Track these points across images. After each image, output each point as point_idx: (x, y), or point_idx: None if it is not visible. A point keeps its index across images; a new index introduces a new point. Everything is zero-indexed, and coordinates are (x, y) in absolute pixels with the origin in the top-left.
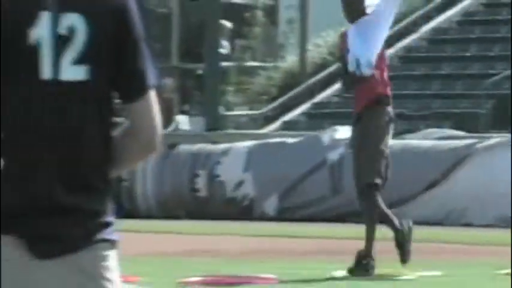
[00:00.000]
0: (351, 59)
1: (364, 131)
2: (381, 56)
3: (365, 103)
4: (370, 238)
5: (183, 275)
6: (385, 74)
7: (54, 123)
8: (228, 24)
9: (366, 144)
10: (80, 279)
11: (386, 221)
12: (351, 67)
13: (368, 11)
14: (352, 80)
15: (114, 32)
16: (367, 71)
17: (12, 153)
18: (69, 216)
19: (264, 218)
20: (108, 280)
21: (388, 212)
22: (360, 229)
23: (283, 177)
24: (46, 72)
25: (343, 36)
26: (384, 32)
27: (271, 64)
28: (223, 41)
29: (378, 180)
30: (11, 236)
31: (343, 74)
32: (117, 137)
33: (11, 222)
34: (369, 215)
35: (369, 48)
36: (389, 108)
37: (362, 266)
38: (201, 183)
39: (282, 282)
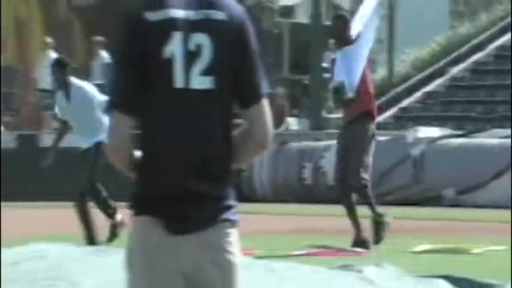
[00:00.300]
0: (334, 82)
1: (351, 144)
2: (365, 79)
3: (351, 118)
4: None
5: (292, 248)
6: (370, 93)
7: (187, 125)
8: None
9: (354, 158)
10: (207, 252)
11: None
12: (333, 89)
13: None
14: (339, 99)
15: (234, 49)
16: (349, 94)
17: (151, 150)
18: (199, 201)
19: (358, 202)
20: (230, 253)
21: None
22: (435, 212)
23: (373, 169)
24: (179, 81)
25: (332, 62)
26: (364, 58)
27: None
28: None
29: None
30: (151, 217)
31: (332, 93)
32: (236, 137)
33: (152, 206)
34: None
35: (352, 74)
36: (373, 125)
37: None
38: (307, 173)
39: (370, 256)
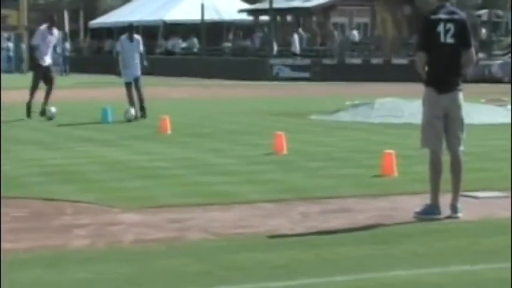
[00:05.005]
0: None
1: None
2: None
3: None
4: None
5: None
6: None
7: (447, 57)
8: None
9: None
10: (452, 99)
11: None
12: None
13: None
14: None
15: (461, 29)
16: None
17: (432, 65)
18: (450, 83)
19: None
20: (460, 99)
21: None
22: None
23: None
24: (442, 40)
25: None
26: None
27: None
28: None
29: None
30: (432, 87)
31: None
32: (462, 60)
33: (432, 83)
34: None
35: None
36: None
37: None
38: None
39: None
